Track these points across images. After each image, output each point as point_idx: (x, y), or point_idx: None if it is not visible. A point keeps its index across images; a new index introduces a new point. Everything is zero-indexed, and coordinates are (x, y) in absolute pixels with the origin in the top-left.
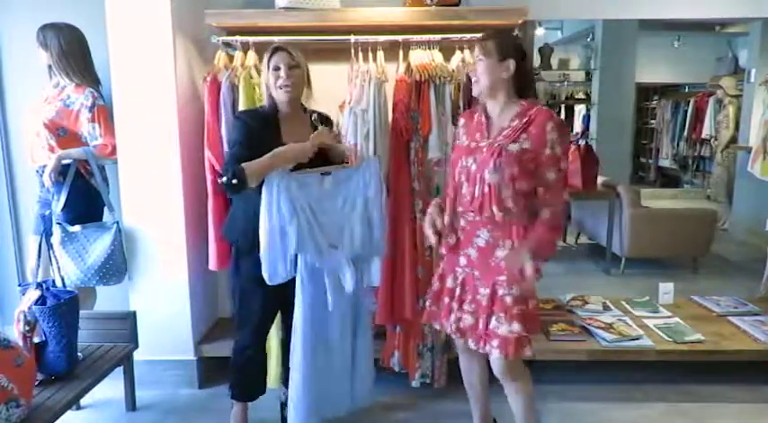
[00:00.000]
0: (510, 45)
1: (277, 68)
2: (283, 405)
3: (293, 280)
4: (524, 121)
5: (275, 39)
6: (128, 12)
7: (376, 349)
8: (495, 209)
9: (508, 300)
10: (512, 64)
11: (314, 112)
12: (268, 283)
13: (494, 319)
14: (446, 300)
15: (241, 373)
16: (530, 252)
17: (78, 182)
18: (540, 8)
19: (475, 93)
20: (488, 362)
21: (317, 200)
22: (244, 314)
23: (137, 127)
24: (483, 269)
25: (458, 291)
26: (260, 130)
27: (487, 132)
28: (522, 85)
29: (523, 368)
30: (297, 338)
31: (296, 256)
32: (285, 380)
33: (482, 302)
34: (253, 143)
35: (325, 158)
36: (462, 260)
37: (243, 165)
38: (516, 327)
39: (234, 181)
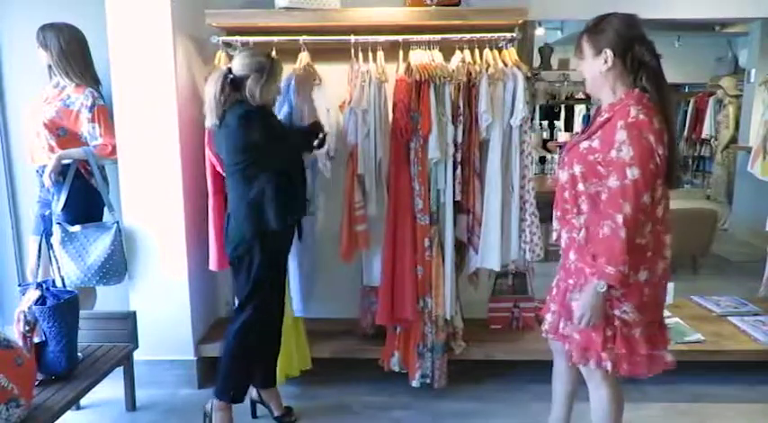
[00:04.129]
0: (605, 34)
1: None
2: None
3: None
4: (607, 116)
5: (275, 39)
6: (128, 12)
7: (376, 349)
8: (555, 209)
9: (573, 305)
10: (609, 55)
11: None
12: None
13: (561, 322)
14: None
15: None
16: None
17: (78, 182)
18: (540, 8)
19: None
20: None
21: None
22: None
23: (137, 127)
24: (562, 271)
25: (554, 291)
26: None
27: (585, 129)
28: (634, 76)
29: (601, 378)
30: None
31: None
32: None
33: (558, 303)
34: None
35: None
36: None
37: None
38: (575, 334)
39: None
